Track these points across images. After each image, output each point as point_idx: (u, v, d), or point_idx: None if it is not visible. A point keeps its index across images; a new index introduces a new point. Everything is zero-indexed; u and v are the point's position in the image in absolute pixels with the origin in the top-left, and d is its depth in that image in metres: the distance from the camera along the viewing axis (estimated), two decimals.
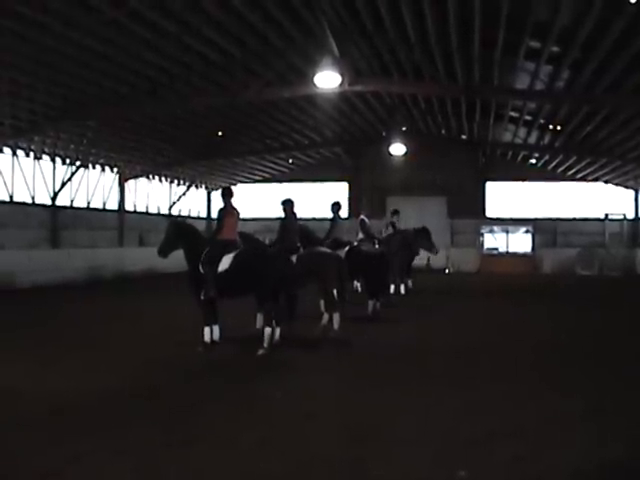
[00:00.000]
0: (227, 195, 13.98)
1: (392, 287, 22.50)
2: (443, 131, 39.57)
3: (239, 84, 24.41)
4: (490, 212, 44.95)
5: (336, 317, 14.40)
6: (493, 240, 43.42)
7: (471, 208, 43.93)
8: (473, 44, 21.19)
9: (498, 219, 44.28)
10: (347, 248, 18.15)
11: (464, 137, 40.30)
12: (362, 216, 21.51)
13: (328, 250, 15.51)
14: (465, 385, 10.11)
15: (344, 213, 46.03)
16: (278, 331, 13.27)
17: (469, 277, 36.07)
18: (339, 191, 45.93)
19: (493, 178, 44.71)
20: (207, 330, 13.27)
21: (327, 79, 20.70)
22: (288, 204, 15.13)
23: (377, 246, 20.77)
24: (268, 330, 12.82)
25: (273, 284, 13.14)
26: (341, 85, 21.66)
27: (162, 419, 8.23)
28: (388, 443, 7.34)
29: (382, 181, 44.08)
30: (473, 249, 42.95)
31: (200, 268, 13.22)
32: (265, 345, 12.67)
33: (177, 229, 13.99)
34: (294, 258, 14.53)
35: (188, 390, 9.81)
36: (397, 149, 35.04)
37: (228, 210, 13.81)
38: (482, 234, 43.31)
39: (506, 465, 6.72)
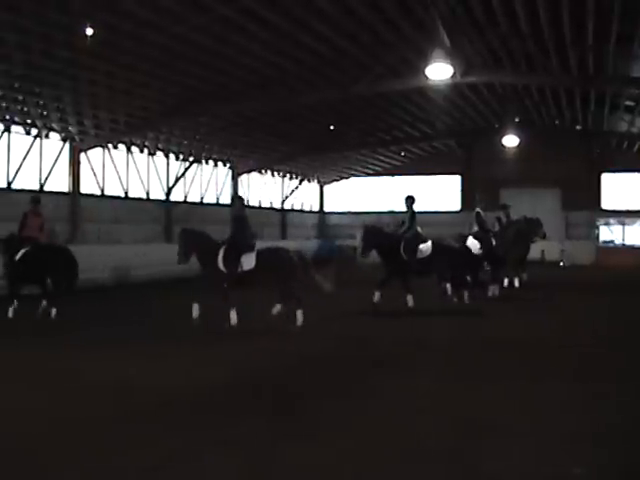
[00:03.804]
0: (34, 201, 16.90)
1: (506, 280, 22.41)
2: (557, 122, 38.86)
3: (350, 78, 24.50)
4: (606, 204, 43.94)
5: (299, 314, 14.50)
6: (609, 233, 42.47)
7: (586, 200, 42.95)
8: (587, 34, 20.77)
9: (614, 211, 43.23)
10: (430, 242, 18.01)
11: (578, 127, 39.48)
12: (478, 209, 21.56)
13: (284, 248, 15.91)
14: (580, 380, 9.95)
15: (457, 206, 46.24)
16: None
17: (584, 270, 35.25)
18: (451, 184, 45.65)
19: (608, 169, 43.68)
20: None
21: (439, 71, 20.63)
22: (238, 200, 16.20)
23: (493, 240, 20.92)
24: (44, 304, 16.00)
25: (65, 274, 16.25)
26: (453, 77, 21.58)
27: (269, 413, 8.31)
28: (501, 438, 7.30)
29: (495, 173, 43.51)
30: (588, 242, 41.97)
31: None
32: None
33: None
34: (253, 255, 14.62)
35: (295, 385, 9.88)
36: (510, 140, 34.68)
37: (30, 213, 16.61)
38: (598, 226, 42.38)
39: (625, 465, 6.56)
